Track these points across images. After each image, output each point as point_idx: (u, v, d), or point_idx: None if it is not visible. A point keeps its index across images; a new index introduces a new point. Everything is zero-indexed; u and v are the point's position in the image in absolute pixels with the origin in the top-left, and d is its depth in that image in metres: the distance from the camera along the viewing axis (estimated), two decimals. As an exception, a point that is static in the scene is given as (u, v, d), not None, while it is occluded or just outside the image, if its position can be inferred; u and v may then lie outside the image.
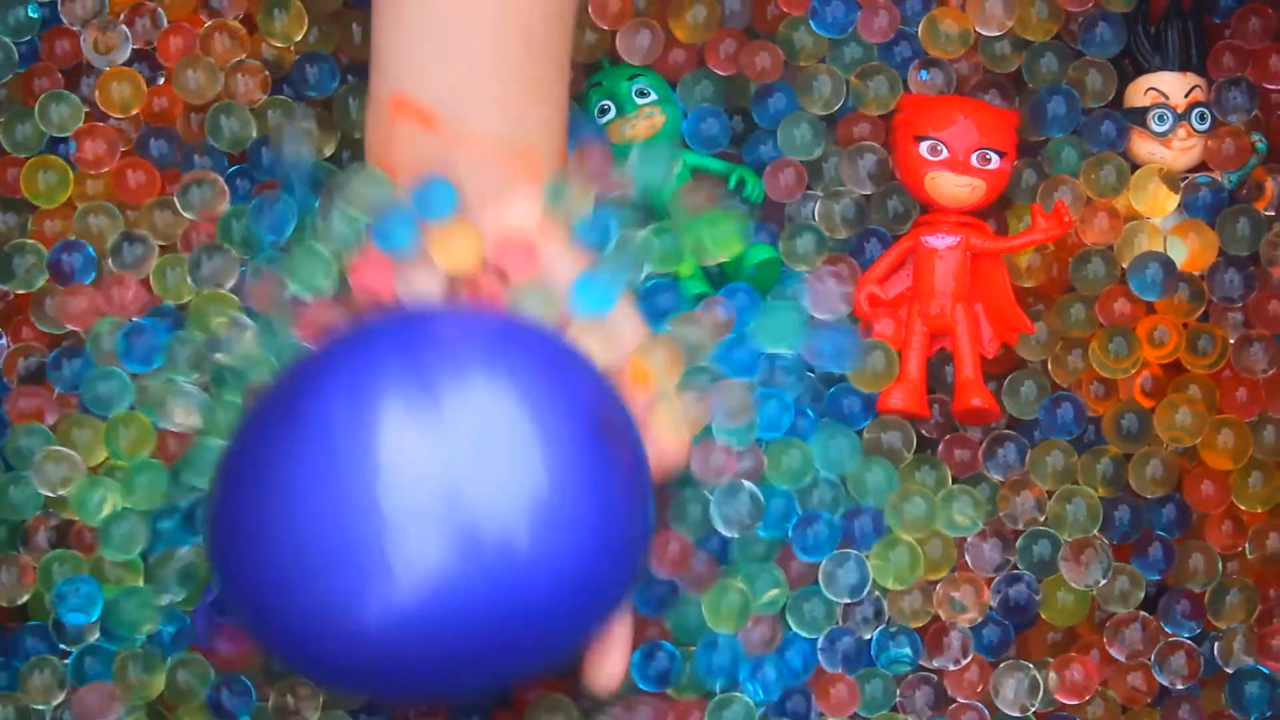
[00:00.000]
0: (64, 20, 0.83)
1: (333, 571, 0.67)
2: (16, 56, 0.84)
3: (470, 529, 0.67)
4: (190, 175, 0.82)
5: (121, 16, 0.83)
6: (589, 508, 0.69)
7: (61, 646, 0.80)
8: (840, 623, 0.80)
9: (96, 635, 0.80)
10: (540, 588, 0.68)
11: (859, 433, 0.81)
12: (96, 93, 0.83)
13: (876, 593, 0.80)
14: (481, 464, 0.67)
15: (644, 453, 0.72)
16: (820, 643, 0.80)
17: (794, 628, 0.80)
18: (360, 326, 0.71)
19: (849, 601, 0.80)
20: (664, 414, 0.74)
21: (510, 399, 0.69)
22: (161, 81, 0.84)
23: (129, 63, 0.84)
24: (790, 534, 0.80)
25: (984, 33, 0.83)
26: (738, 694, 0.79)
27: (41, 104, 0.83)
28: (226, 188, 0.82)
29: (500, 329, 0.71)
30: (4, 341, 0.83)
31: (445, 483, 0.67)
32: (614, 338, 0.74)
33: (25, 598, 0.81)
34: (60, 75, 0.84)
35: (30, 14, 0.84)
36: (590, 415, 0.70)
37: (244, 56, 0.83)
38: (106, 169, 0.83)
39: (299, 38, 0.84)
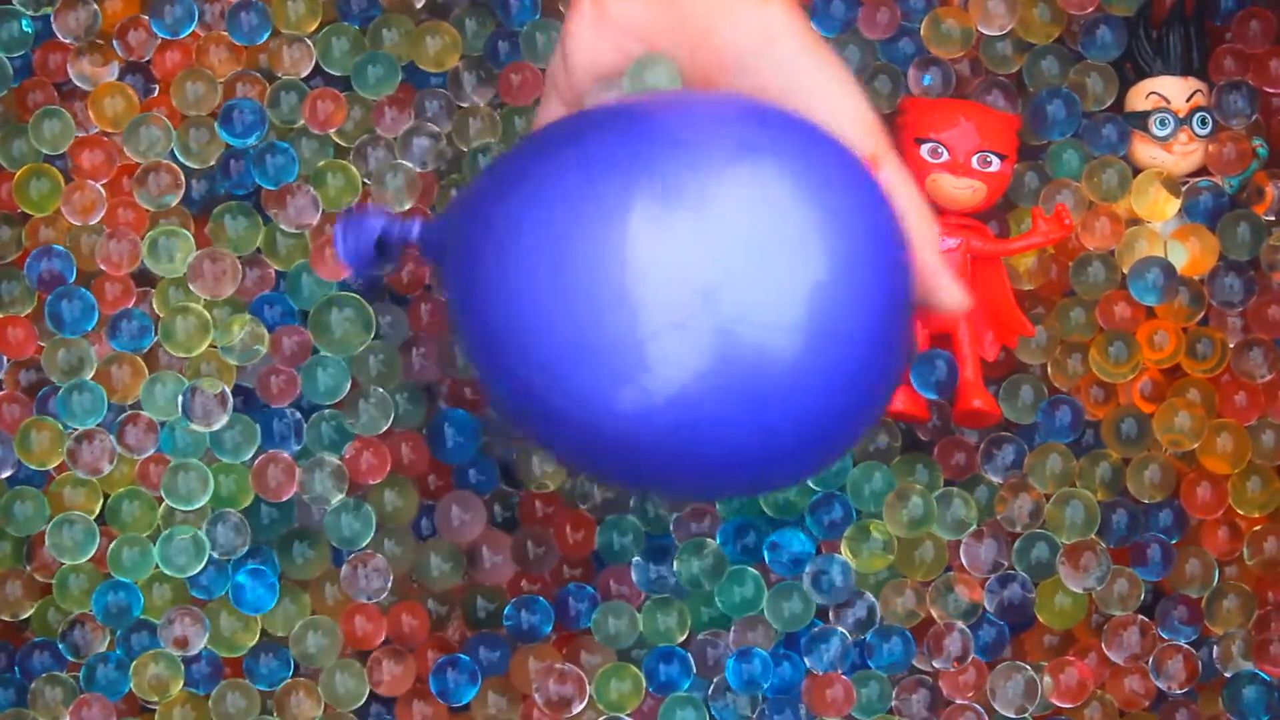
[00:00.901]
0: (58, 35, 0.83)
1: (581, 367, 0.62)
2: (10, 71, 0.83)
3: (728, 335, 0.61)
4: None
5: (115, 29, 0.83)
6: (865, 314, 0.62)
7: (70, 659, 0.81)
8: (832, 622, 0.81)
9: (106, 644, 0.80)
10: (807, 403, 0.62)
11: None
12: (89, 108, 0.83)
13: (868, 594, 0.81)
14: (745, 263, 0.61)
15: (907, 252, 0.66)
16: (809, 644, 0.80)
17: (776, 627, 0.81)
18: (598, 112, 0.65)
19: (839, 604, 0.81)
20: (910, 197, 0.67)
21: (780, 188, 0.62)
22: (156, 93, 0.84)
23: (122, 75, 0.83)
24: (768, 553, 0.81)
25: (985, 32, 0.83)
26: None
27: (35, 121, 0.82)
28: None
29: (762, 113, 0.64)
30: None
31: (703, 281, 0.61)
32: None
33: (29, 612, 0.81)
34: (54, 90, 0.84)
35: (24, 28, 0.84)
36: (862, 206, 0.63)
37: (241, 68, 0.83)
38: (104, 180, 0.83)
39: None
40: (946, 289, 0.67)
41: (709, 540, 0.81)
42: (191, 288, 0.81)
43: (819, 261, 0.62)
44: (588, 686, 0.80)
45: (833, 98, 0.67)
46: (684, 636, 0.81)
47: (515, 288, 0.63)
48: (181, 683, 0.80)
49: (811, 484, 0.81)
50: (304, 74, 0.83)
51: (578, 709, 0.80)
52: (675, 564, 0.81)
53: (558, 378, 0.62)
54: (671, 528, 0.81)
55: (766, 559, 0.81)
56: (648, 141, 0.63)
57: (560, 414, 0.63)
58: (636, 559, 0.81)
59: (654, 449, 0.63)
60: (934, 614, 0.81)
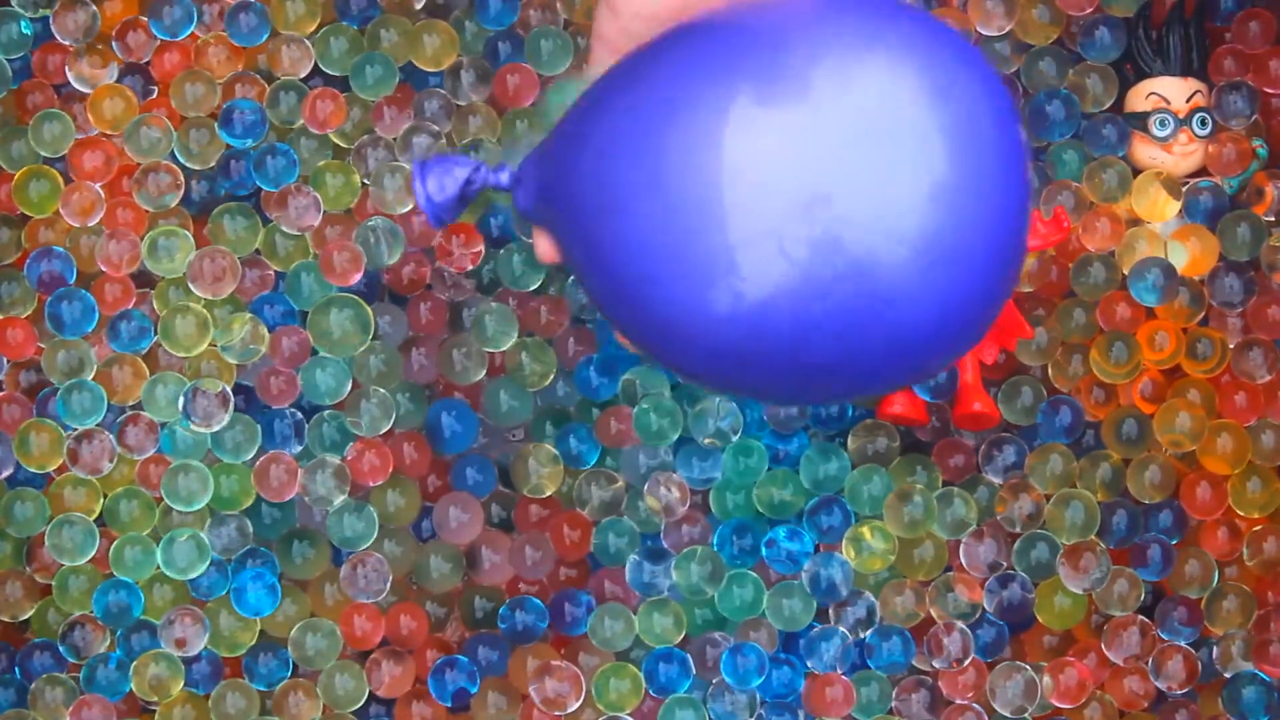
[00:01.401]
0: (57, 36, 0.83)
1: (675, 273, 0.60)
2: (10, 73, 0.83)
3: (827, 243, 0.58)
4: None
5: (114, 31, 0.83)
6: (984, 232, 0.59)
7: (71, 660, 0.81)
8: (832, 622, 0.81)
9: (106, 645, 0.81)
10: (907, 319, 0.59)
11: (845, 436, 0.82)
12: (88, 110, 0.83)
13: (868, 594, 0.81)
14: (854, 166, 0.58)
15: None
16: (809, 644, 0.81)
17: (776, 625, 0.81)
18: (690, 22, 0.62)
19: (839, 603, 0.81)
20: None
21: (896, 85, 0.58)
22: (155, 94, 0.84)
23: (121, 77, 0.83)
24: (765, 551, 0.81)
25: (984, 32, 0.83)
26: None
27: (35, 123, 0.82)
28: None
29: (878, 4, 0.61)
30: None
31: (803, 186, 0.58)
32: None
33: (29, 613, 0.82)
34: (54, 91, 0.84)
35: (23, 30, 0.83)
36: (996, 112, 0.60)
37: (240, 69, 0.83)
38: (103, 181, 0.83)
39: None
40: None
41: (702, 548, 0.81)
42: (191, 287, 0.81)
43: (939, 169, 0.58)
44: (583, 684, 0.81)
45: None
46: (680, 638, 0.81)
47: (613, 198, 0.61)
48: (181, 683, 0.81)
49: (808, 487, 0.81)
50: (303, 74, 0.83)
51: (573, 707, 0.81)
52: (673, 574, 0.81)
53: (656, 284, 0.61)
54: (663, 534, 0.81)
55: (765, 555, 0.81)
56: (749, 40, 0.60)
57: (659, 320, 0.62)
58: (631, 560, 0.81)
59: (742, 353, 0.61)
60: (933, 614, 0.81)
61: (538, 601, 0.81)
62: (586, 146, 0.62)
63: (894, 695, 0.81)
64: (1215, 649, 0.81)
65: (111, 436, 0.81)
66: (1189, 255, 0.82)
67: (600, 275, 0.63)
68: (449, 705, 0.81)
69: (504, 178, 0.67)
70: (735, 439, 0.81)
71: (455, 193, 0.66)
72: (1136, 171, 0.83)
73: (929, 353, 0.61)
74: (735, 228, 0.59)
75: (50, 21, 0.83)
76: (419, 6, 0.84)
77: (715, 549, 0.81)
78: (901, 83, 0.58)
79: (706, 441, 0.81)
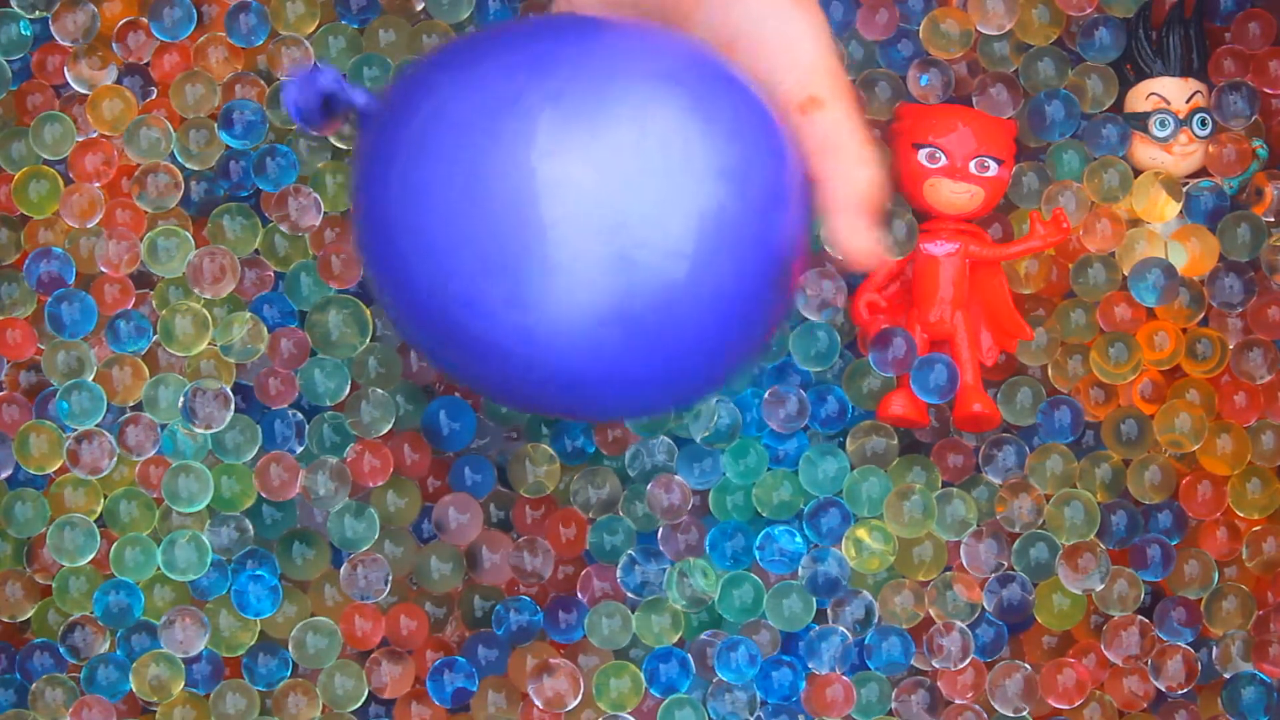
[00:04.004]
0: (56, 37, 0.83)
1: (482, 283, 0.64)
2: (9, 74, 0.83)
3: (627, 260, 0.64)
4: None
5: (114, 32, 0.83)
6: (757, 230, 0.66)
7: (71, 660, 0.81)
8: (830, 620, 0.81)
9: (106, 646, 0.81)
10: (701, 311, 0.65)
11: (844, 436, 0.82)
12: (88, 111, 0.83)
13: (867, 593, 0.81)
14: (644, 180, 0.64)
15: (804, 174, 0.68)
16: (808, 644, 0.81)
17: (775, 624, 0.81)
18: (513, 27, 0.68)
19: (835, 600, 0.81)
20: (846, 141, 0.69)
21: (676, 111, 0.65)
22: (155, 95, 0.84)
23: (121, 78, 0.83)
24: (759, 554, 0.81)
25: (985, 31, 0.83)
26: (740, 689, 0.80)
27: (35, 125, 0.82)
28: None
29: (659, 38, 0.67)
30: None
31: (606, 207, 0.64)
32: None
33: (29, 614, 0.82)
34: (54, 92, 0.84)
35: (23, 31, 0.83)
36: (758, 129, 0.66)
37: (240, 69, 0.83)
38: (102, 182, 0.83)
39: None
40: (847, 238, 0.68)
41: (695, 559, 0.81)
42: (191, 287, 0.81)
43: (711, 190, 0.64)
44: (580, 681, 0.81)
45: (789, 37, 0.69)
46: (677, 638, 0.81)
47: (424, 192, 0.65)
48: (182, 683, 0.81)
49: (807, 489, 0.81)
50: None
51: (573, 705, 0.81)
52: (670, 592, 0.81)
53: (457, 290, 0.64)
54: (660, 540, 0.81)
55: (757, 556, 0.81)
56: (556, 58, 0.65)
57: (454, 327, 0.65)
58: (624, 561, 0.81)
59: (545, 369, 0.65)
60: (933, 614, 0.81)
61: (530, 600, 0.81)
62: (409, 122, 0.66)
63: (893, 696, 0.81)
64: (1215, 649, 0.81)
65: (111, 437, 0.81)
66: (1189, 256, 0.82)
67: (391, 260, 0.66)
68: (448, 706, 0.81)
69: (359, 99, 0.70)
70: (734, 440, 0.81)
71: (317, 104, 0.69)
72: (1136, 172, 0.83)
73: (717, 359, 0.67)
74: (550, 243, 0.63)
75: (50, 22, 0.83)
76: (420, 7, 0.84)
77: (709, 551, 0.81)
78: (678, 114, 0.65)
79: (702, 437, 0.81)
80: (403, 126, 0.66)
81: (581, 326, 0.64)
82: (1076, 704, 0.81)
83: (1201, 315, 0.82)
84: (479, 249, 0.64)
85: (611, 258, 0.64)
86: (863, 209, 0.68)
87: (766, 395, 0.81)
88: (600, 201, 0.64)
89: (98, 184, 0.82)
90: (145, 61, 0.83)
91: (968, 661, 0.81)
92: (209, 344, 0.81)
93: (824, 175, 0.69)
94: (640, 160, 0.64)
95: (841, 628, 0.81)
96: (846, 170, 0.68)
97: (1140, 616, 0.81)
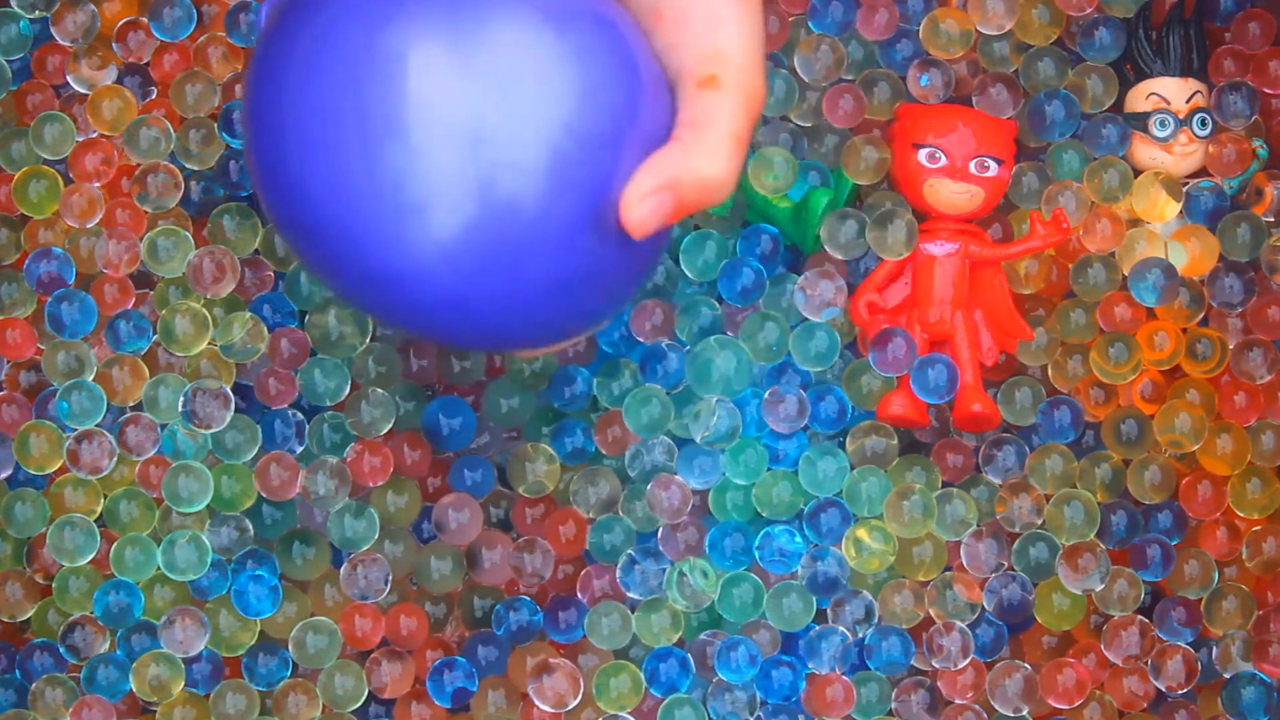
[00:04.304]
0: (56, 37, 0.83)
1: (359, 204, 0.65)
2: (9, 74, 0.83)
3: (492, 171, 0.64)
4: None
5: (114, 31, 0.83)
6: (613, 162, 0.66)
7: (71, 660, 0.81)
8: (830, 620, 0.81)
9: (106, 646, 0.81)
10: (554, 253, 0.66)
11: (844, 436, 0.82)
12: (88, 111, 0.83)
13: (866, 593, 0.81)
14: (507, 103, 0.64)
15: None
16: (807, 644, 0.81)
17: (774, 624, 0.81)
18: None
19: (835, 600, 0.81)
20: (716, 129, 0.68)
21: (541, 35, 0.65)
22: (155, 95, 0.84)
23: (121, 78, 0.83)
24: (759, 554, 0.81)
25: (985, 31, 0.83)
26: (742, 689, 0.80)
27: (35, 125, 0.82)
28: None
29: None
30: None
31: (470, 118, 0.64)
32: None
33: (29, 614, 0.82)
34: (54, 92, 0.84)
35: (23, 30, 0.83)
36: (626, 60, 0.66)
37: (240, 69, 0.83)
38: (102, 182, 0.83)
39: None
40: (629, 195, 0.66)
41: (695, 559, 0.81)
42: (191, 287, 0.81)
43: (565, 109, 0.64)
44: (580, 681, 0.81)
45: (717, 18, 0.68)
46: (677, 638, 0.81)
47: (300, 116, 0.65)
48: (182, 683, 0.81)
49: (807, 489, 0.81)
50: None
51: (572, 705, 0.81)
52: (669, 592, 0.81)
53: (336, 213, 0.65)
54: (660, 540, 0.81)
55: (756, 555, 0.81)
56: None
57: (336, 249, 0.66)
58: (623, 561, 0.81)
59: (423, 291, 0.65)
60: (933, 614, 0.81)
61: (530, 600, 0.81)
62: (286, 50, 0.67)
63: (893, 696, 0.81)
64: (1215, 649, 0.81)
65: (111, 437, 0.81)
66: (1189, 256, 0.82)
67: (275, 183, 0.67)
68: (448, 706, 0.81)
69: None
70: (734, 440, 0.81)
71: None
72: (1136, 172, 0.83)
73: (574, 290, 0.67)
74: (419, 163, 0.64)
75: (50, 22, 0.83)
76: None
77: (709, 551, 0.81)
78: (537, 32, 0.65)
79: (702, 437, 0.81)
80: (291, 39, 0.67)
81: (447, 247, 0.65)
82: (1076, 704, 0.81)
83: (1201, 315, 0.82)
84: (356, 170, 0.64)
85: (473, 177, 0.64)
86: (672, 186, 0.66)
87: (766, 395, 0.81)
88: (463, 118, 0.64)
89: (98, 184, 0.82)
90: (145, 61, 0.83)
91: (968, 661, 0.81)
92: (209, 344, 0.81)
93: (673, 141, 0.67)
94: (499, 76, 0.64)
95: (841, 628, 0.81)
96: (695, 150, 0.66)
97: (1140, 616, 0.81)
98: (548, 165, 0.64)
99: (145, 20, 0.83)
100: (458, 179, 0.64)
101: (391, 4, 0.65)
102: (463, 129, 0.64)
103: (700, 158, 0.66)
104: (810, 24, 0.83)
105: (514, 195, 0.64)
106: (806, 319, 0.81)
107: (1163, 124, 0.83)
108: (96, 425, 0.81)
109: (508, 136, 0.64)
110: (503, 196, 0.64)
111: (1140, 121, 0.83)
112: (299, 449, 0.81)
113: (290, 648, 0.81)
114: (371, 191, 0.64)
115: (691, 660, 0.81)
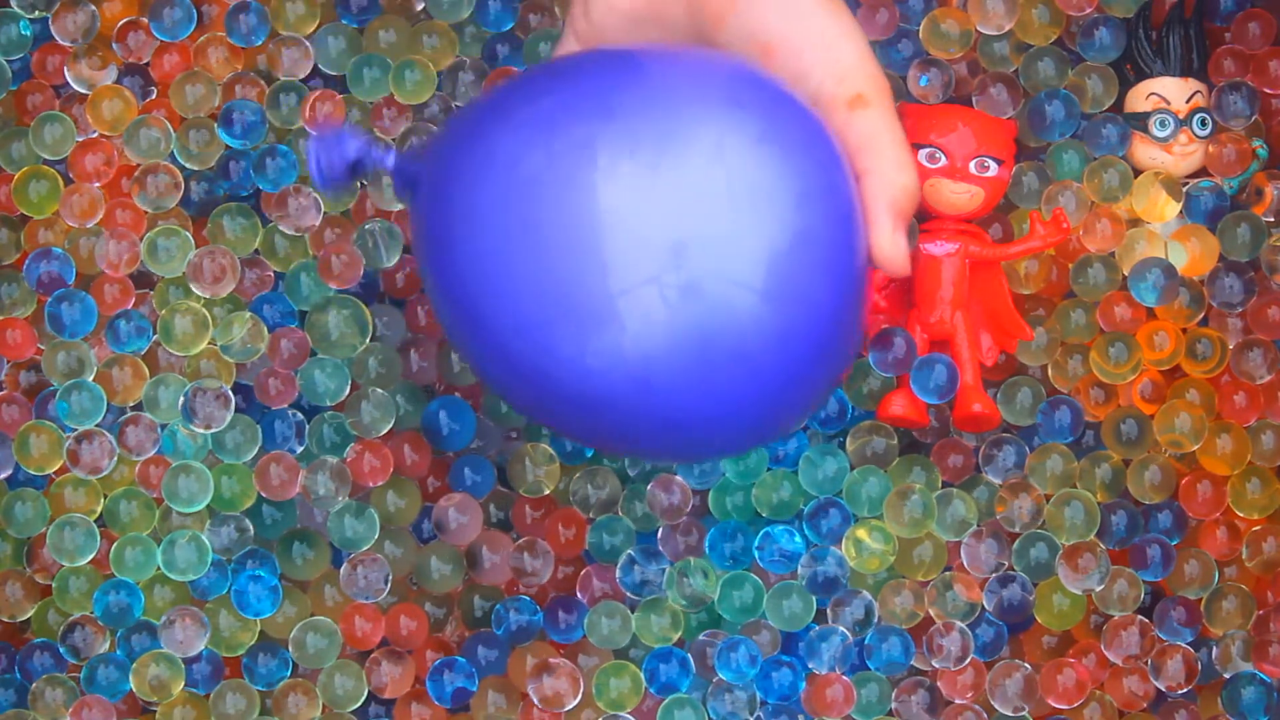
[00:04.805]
0: (56, 37, 0.83)
1: (549, 321, 0.63)
2: (9, 74, 0.83)
3: (695, 291, 0.62)
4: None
5: (114, 32, 0.83)
6: (827, 272, 0.65)
7: (70, 660, 0.81)
8: (830, 620, 0.81)
9: (106, 646, 0.81)
10: (768, 366, 0.64)
11: (844, 436, 0.82)
12: (88, 111, 0.83)
13: (866, 593, 0.81)
14: (712, 218, 0.63)
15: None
16: (807, 644, 0.81)
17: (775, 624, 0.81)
18: (560, 65, 0.67)
19: (835, 600, 0.81)
20: (889, 142, 0.69)
21: (741, 145, 0.64)
22: (155, 95, 0.84)
23: (121, 78, 0.83)
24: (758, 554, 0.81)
25: (985, 31, 0.83)
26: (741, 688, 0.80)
27: (35, 125, 0.82)
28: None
29: (717, 65, 0.66)
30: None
31: (673, 236, 0.62)
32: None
33: (29, 613, 0.82)
34: (54, 92, 0.84)
35: (23, 31, 0.83)
36: (823, 160, 0.66)
37: (240, 69, 0.83)
38: (102, 182, 0.83)
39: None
40: (882, 241, 0.68)
41: (694, 559, 0.81)
42: (191, 287, 0.81)
43: (783, 220, 0.63)
44: (580, 681, 0.81)
45: (829, 37, 0.69)
46: (677, 638, 0.81)
47: (482, 237, 0.64)
48: (182, 683, 0.81)
49: (807, 489, 0.81)
50: (303, 75, 0.83)
51: (572, 705, 0.81)
52: (669, 592, 0.81)
53: (525, 331, 0.63)
54: (660, 540, 0.81)
55: (756, 556, 0.81)
56: (617, 92, 0.63)
57: (526, 367, 0.64)
58: (623, 561, 0.81)
59: (618, 406, 0.64)
60: (933, 614, 0.81)
61: (530, 600, 0.81)
62: (459, 174, 0.65)
63: (893, 696, 0.81)
64: (1215, 649, 0.81)
65: (111, 437, 0.81)
66: (1189, 256, 0.82)
67: (459, 307, 0.65)
68: (448, 706, 0.81)
69: (390, 161, 0.69)
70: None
71: (343, 169, 0.68)
72: (1137, 172, 0.83)
73: (787, 399, 0.66)
74: (613, 277, 0.62)
75: (50, 22, 0.83)
76: (420, 7, 0.84)
77: (709, 551, 0.81)
78: (746, 142, 0.63)
79: None
80: (458, 171, 0.65)
81: (649, 363, 0.63)
82: (1076, 704, 0.81)
83: (1201, 315, 0.82)
84: (546, 293, 0.63)
85: (679, 288, 0.62)
86: (898, 213, 0.69)
87: None
88: (667, 230, 0.62)
89: (98, 184, 0.82)
90: (145, 61, 0.83)
91: (968, 661, 0.81)
92: (209, 344, 0.81)
93: (864, 174, 0.69)
94: (703, 186, 0.63)
95: (841, 628, 0.81)
96: (887, 171, 0.69)
97: (1140, 616, 0.81)
98: (768, 276, 0.63)
99: (145, 20, 0.83)
100: (659, 290, 0.62)
101: (576, 120, 0.63)
102: (662, 240, 0.62)
103: (897, 175, 0.69)
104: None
105: (721, 307, 0.63)
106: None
107: (1163, 124, 0.83)
108: (96, 425, 0.81)
109: (714, 247, 0.63)
110: (709, 308, 0.63)
111: (1140, 121, 0.83)
112: (299, 449, 0.81)
113: (290, 648, 0.81)
114: (565, 305, 0.63)
115: (691, 660, 0.81)
